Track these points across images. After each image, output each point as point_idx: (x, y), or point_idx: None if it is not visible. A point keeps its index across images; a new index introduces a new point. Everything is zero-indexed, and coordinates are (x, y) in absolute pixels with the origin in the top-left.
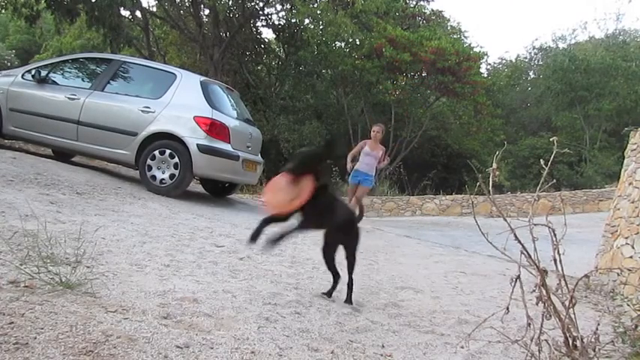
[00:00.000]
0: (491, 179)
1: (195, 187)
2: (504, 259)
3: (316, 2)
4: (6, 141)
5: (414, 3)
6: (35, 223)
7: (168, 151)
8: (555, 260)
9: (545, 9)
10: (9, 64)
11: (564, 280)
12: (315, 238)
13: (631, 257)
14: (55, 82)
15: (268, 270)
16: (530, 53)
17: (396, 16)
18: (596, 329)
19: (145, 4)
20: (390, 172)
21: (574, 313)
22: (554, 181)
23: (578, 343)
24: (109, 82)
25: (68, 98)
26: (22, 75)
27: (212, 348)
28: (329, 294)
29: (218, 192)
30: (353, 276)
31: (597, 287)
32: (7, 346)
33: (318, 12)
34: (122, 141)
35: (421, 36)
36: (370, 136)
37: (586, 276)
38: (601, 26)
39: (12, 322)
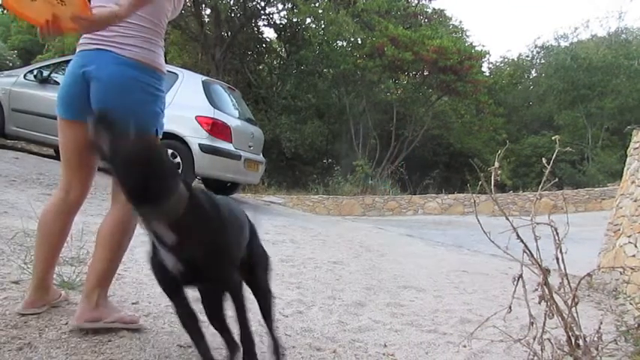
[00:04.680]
0: (493, 178)
1: (197, 186)
2: (507, 258)
3: (318, 1)
4: (8, 141)
5: (416, 2)
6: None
7: (170, 151)
8: (558, 259)
9: (546, 7)
10: (11, 64)
11: (567, 278)
12: (316, 235)
13: (634, 256)
14: (57, 83)
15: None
16: (532, 52)
17: (397, 15)
18: (599, 328)
19: None
20: (392, 171)
21: (577, 312)
22: (557, 179)
23: (580, 341)
24: None
25: None
26: (25, 75)
27: (214, 348)
28: None
29: (220, 191)
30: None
31: (600, 286)
32: (11, 346)
33: (320, 11)
34: None
35: (423, 35)
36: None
37: (588, 275)
38: (603, 24)
39: (15, 322)
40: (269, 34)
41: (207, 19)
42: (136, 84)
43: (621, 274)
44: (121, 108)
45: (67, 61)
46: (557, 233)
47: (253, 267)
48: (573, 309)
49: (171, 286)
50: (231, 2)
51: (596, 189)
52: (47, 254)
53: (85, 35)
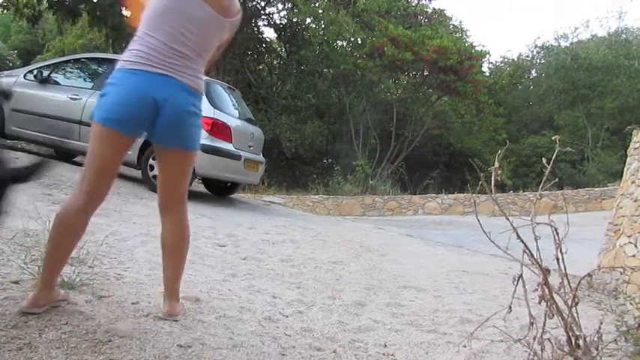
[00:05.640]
0: (493, 178)
1: (198, 186)
2: (507, 258)
3: (318, 1)
4: (8, 141)
5: (416, 2)
6: (38, 224)
7: None
8: (558, 259)
9: (546, 7)
10: (11, 64)
11: (567, 278)
12: (316, 235)
13: (634, 256)
14: (57, 83)
15: (270, 269)
16: (532, 52)
17: (397, 15)
18: (599, 328)
19: None
20: (392, 171)
21: (577, 312)
22: (557, 179)
23: (580, 341)
24: None
25: (70, 98)
26: (25, 75)
27: (214, 348)
28: None
29: (220, 191)
30: None
31: (600, 286)
32: (11, 346)
33: (320, 11)
34: None
35: (423, 35)
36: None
37: (589, 275)
38: (603, 24)
39: (15, 322)
40: (269, 34)
41: None
42: (194, 109)
43: (621, 274)
44: (186, 129)
45: (67, 61)
46: (557, 233)
47: None
48: (573, 309)
49: None
50: None
51: (596, 189)
52: (62, 254)
53: (137, 52)
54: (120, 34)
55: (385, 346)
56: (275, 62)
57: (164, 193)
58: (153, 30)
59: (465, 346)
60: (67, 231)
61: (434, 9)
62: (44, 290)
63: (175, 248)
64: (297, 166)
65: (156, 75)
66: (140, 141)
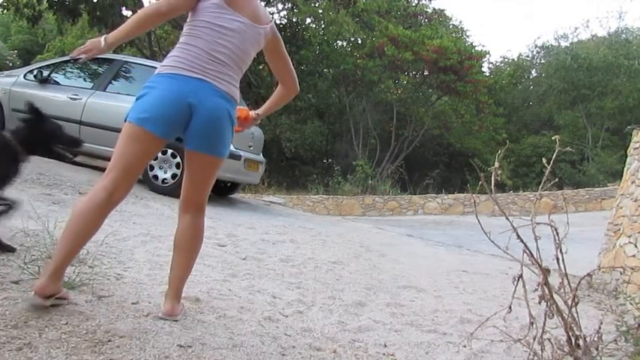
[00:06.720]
0: (493, 178)
1: None
2: (507, 258)
3: (318, 1)
4: None
5: (416, 2)
6: (38, 224)
7: (170, 151)
8: (558, 259)
9: (546, 7)
10: (11, 64)
11: (567, 278)
12: (316, 235)
13: (634, 256)
14: (57, 82)
15: (270, 269)
16: (532, 52)
17: (397, 15)
18: (599, 328)
19: (146, 4)
20: (392, 171)
21: (577, 312)
22: (557, 179)
23: (580, 341)
24: (110, 82)
25: (70, 98)
26: (24, 75)
27: (214, 348)
28: None
29: (220, 191)
30: None
31: (600, 286)
32: (11, 346)
33: (320, 11)
34: None
35: (423, 35)
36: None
37: (589, 275)
38: (603, 24)
39: (15, 322)
40: None
41: None
42: (228, 114)
43: (621, 274)
44: (218, 135)
45: (67, 61)
46: (557, 233)
47: None
48: (573, 309)
49: None
50: None
51: (596, 189)
52: (76, 245)
53: (176, 58)
54: None
55: (385, 346)
56: None
57: (188, 194)
58: (192, 40)
59: (465, 346)
60: (84, 224)
61: (434, 9)
62: (52, 278)
63: (188, 248)
64: (297, 166)
65: (193, 79)
66: None
